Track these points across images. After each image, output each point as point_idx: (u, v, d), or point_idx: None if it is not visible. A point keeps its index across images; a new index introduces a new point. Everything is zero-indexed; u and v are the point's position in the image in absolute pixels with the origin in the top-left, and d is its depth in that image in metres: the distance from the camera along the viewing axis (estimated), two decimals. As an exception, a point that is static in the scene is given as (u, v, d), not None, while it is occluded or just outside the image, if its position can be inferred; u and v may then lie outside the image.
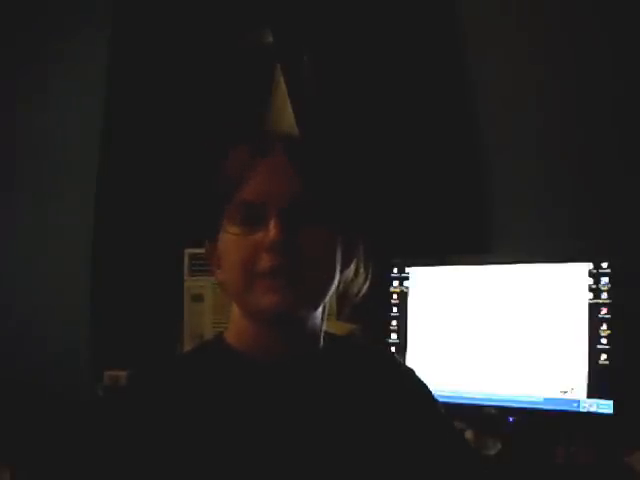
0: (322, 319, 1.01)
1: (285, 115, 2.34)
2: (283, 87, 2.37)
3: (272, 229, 0.91)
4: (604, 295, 1.66)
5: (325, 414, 0.96)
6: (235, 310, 1.00)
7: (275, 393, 0.96)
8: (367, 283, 1.07)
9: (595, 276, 1.67)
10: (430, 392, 1.08)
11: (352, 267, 1.03)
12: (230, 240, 0.95)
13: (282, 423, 0.94)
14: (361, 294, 1.07)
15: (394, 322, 1.89)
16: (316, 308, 0.98)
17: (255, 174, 0.94)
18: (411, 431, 1.00)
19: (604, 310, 1.65)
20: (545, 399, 1.70)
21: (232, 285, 0.96)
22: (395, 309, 1.89)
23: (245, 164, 0.95)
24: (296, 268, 0.91)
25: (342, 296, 1.04)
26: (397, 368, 1.09)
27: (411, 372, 1.09)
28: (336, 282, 0.98)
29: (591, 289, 1.67)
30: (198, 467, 0.90)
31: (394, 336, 1.88)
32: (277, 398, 0.96)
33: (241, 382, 0.96)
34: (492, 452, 1.68)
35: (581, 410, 1.65)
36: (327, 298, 0.98)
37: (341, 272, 0.99)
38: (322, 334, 1.02)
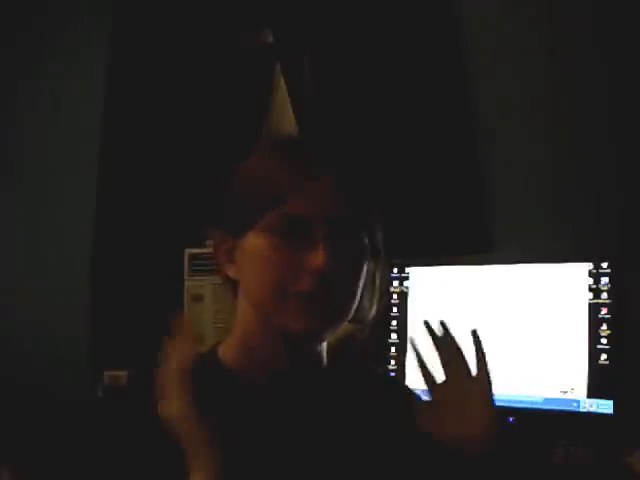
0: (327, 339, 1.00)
1: (285, 115, 2.34)
2: (283, 87, 2.37)
3: (321, 254, 0.89)
4: (604, 295, 1.66)
5: (318, 437, 0.95)
6: (244, 313, 0.97)
7: (269, 416, 0.95)
8: (374, 308, 1.05)
9: (595, 276, 1.67)
10: None
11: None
12: (266, 249, 0.91)
13: (273, 445, 0.93)
14: (368, 318, 1.05)
15: (394, 322, 1.89)
16: (339, 326, 0.96)
17: (303, 187, 0.91)
18: (408, 457, 0.99)
19: (604, 310, 1.65)
20: (545, 399, 1.70)
21: (258, 296, 0.94)
22: (395, 309, 1.89)
23: (293, 176, 0.92)
24: (332, 293, 0.91)
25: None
26: (404, 396, 1.08)
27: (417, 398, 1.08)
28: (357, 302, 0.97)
29: (591, 289, 1.67)
30: None
31: (394, 336, 1.88)
32: (270, 421, 0.95)
33: (232, 404, 0.94)
34: (492, 452, 1.68)
35: (581, 410, 1.65)
36: (349, 317, 0.97)
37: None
38: (325, 353, 1.01)
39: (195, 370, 0.99)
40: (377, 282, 1.03)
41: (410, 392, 1.10)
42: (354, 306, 0.96)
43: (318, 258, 0.89)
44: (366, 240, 0.95)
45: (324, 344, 1.00)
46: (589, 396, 1.64)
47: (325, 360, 1.01)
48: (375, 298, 1.04)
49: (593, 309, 1.66)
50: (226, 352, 0.99)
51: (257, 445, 0.92)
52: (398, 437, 0.99)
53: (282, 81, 2.37)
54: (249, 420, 0.94)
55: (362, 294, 1.01)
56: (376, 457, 0.96)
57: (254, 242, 0.93)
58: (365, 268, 0.96)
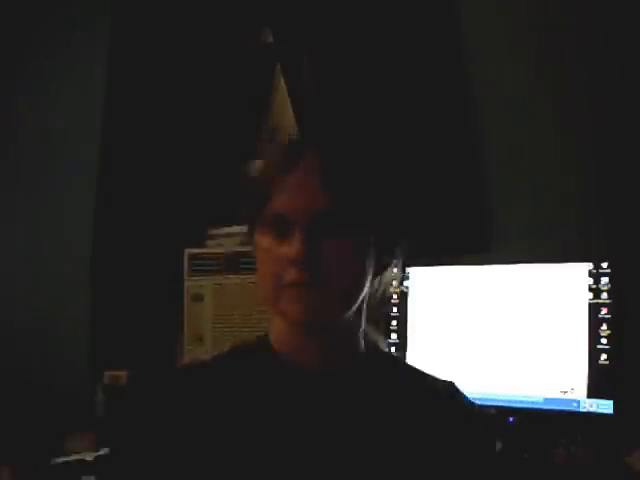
0: (359, 324, 1.02)
1: (285, 115, 2.34)
2: (283, 87, 2.37)
3: (295, 244, 0.92)
4: (604, 295, 1.66)
5: (354, 425, 0.96)
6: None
7: (310, 400, 0.97)
8: (393, 286, 1.08)
9: (595, 276, 1.67)
10: (486, 433, 1.05)
11: (389, 272, 1.04)
12: (261, 250, 0.97)
13: (308, 429, 0.95)
14: (388, 296, 1.08)
15: (394, 322, 1.89)
16: (344, 314, 0.98)
17: (284, 184, 0.95)
18: (445, 464, 0.97)
19: (604, 310, 1.65)
20: (545, 399, 1.70)
21: (261, 291, 0.98)
22: (395, 309, 1.89)
23: (276, 173, 0.96)
24: (319, 280, 0.93)
25: (374, 301, 1.05)
26: (449, 400, 1.04)
27: (469, 407, 1.05)
28: (366, 289, 0.99)
29: (591, 289, 1.67)
30: (223, 467, 0.92)
31: (394, 336, 1.88)
32: (307, 404, 0.97)
33: (273, 385, 0.99)
34: (492, 452, 1.68)
35: (581, 410, 1.65)
36: (357, 304, 0.98)
37: (374, 278, 1.00)
38: (361, 340, 1.03)
39: (248, 351, 1.04)
40: (382, 282, 1.04)
41: (457, 393, 1.05)
42: (356, 293, 0.98)
43: (292, 247, 0.92)
44: (364, 235, 0.97)
45: (352, 334, 1.01)
46: (589, 396, 1.65)
47: (363, 348, 1.02)
48: (378, 297, 1.05)
49: (593, 309, 1.66)
50: (272, 336, 1.04)
51: (288, 432, 0.95)
52: (434, 444, 0.97)
53: (282, 81, 2.37)
54: (286, 404, 0.97)
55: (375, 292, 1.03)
56: (405, 457, 0.95)
57: (257, 241, 0.99)
58: (370, 257, 0.98)
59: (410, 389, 1.03)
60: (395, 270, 1.06)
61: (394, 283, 1.09)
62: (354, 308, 0.98)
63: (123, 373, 2.12)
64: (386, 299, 1.08)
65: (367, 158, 1.05)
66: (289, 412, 0.97)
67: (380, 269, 1.01)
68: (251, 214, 1.00)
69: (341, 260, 0.95)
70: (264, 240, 0.97)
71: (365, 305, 1.02)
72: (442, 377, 1.07)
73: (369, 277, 0.99)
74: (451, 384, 1.06)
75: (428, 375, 1.07)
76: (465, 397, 1.06)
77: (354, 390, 0.99)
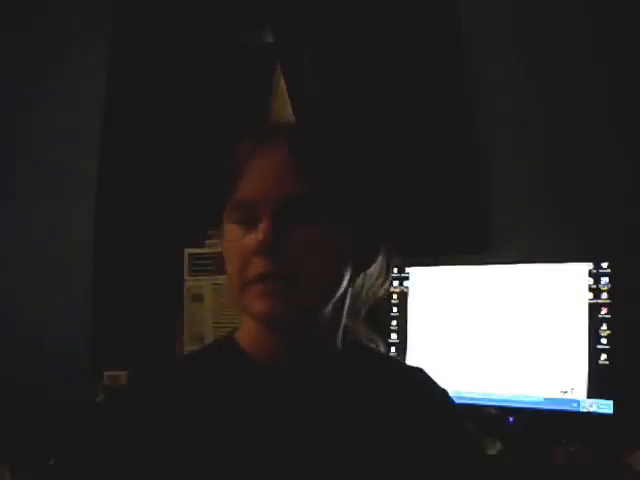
0: (338, 321, 0.96)
1: (285, 115, 2.34)
2: (283, 87, 2.37)
3: (261, 231, 0.86)
4: (604, 295, 1.66)
5: (329, 421, 0.93)
6: None
7: (279, 397, 0.93)
8: (384, 287, 1.02)
9: (595, 276, 1.67)
10: (460, 417, 1.02)
11: (375, 269, 0.98)
12: (227, 239, 0.91)
13: (284, 428, 0.91)
14: (377, 296, 1.02)
15: (394, 322, 1.89)
16: (317, 312, 0.92)
17: (252, 169, 0.90)
18: (422, 452, 0.94)
19: (604, 310, 1.65)
20: (545, 399, 1.70)
21: (229, 286, 0.92)
22: (395, 309, 1.89)
23: (245, 158, 0.91)
24: (289, 271, 0.86)
25: (360, 299, 1.00)
26: (424, 387, 1.01)
27: (443, 394, 1.02)
28: (344, 284, 0.92)
29: (591, 289, 1.67)
30: (197, 469, 0.88)
31: (394, 336, 1.88)
32: (280, 402, 0.93)
33: (246, 384, 0.94)
34: (492, 452, 1.69)
35: (581, 410, 1.65)
36: (333, 300, 0.92)
37: (356, 274, 0.94)
38: (339, 337, 0.96)
39: (214, 350, 0.99)
40: (384, 268, 1.00)
41: (432, 384, 1.03)
42: (330, 289, 0.91)
43: (258, 235, 0.86)
44: (339, 225, 0.90)
45: (327, 332, 0.95)
46: (589, 396, 1.65)
47: (339, 345, 0.97)
48: (381, 283, 1.02)
49: (593, 309, 1.66)
50: (240, 337, 0.98)
51: (259, 431, 0.91)
52: (410, 433, 0.95)
53: (282, 81, 2.37)
54: (255, 403, 0.93)
55: (376, 279, 0.99)
56: (381, 450, 0.93)
57: (224, 235, 0.93)
58: (348, 250, 0.92)
59: (382, 381, 0.98)
60: (381, 267, 0.99)
61: (383, 281, 1.03)
62: (330, 305, 0.92)
63: (123, 373, 2.12)
64: (374, 297, 1.02)
65: (343, 146, 0.97)
66: (255, 414, 0.91)
67: (363, 265, 0.95)
68: (221, 203, 0.92)
69: (311, 249, 0.88)
70: (231, 229, 0.90)
71: (347, 302, 0.95)
72: (415, 364, 1.04)
73: (347, 272, 0.92)
74: (421, 370, 1.03)
75: (402, 364, 1.05)
76: (434, 382, 1.02)
77: (323, 389, 0.94)
